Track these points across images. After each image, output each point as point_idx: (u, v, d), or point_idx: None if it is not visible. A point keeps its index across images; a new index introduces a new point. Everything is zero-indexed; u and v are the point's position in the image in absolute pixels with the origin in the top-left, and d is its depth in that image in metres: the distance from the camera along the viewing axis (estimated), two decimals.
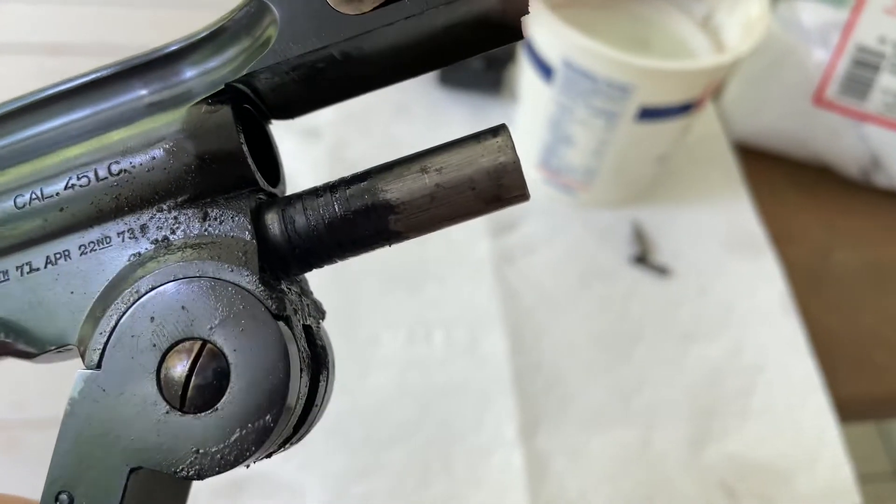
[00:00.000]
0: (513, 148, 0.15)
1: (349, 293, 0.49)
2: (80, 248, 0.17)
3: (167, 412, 0.15)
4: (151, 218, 0.16)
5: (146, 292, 0.16)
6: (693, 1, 0.54)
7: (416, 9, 0.15)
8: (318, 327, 0.18)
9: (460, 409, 0.45)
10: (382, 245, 0.17)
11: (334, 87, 0.17)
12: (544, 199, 0.55)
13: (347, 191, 0.16)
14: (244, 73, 0.16)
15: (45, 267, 0.17)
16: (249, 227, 0.16)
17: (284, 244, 0.16)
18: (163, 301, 0.15)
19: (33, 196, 0.17)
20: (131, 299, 0.16)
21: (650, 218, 0.55)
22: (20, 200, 0.17)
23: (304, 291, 0.18)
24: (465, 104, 0.60)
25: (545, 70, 0.48)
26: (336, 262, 0.17)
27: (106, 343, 0.16)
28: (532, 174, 0.55)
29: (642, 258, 0.52)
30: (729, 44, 0.51)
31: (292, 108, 0.18)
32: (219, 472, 0.15)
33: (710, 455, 0.45)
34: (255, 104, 0.17)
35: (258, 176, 0.17)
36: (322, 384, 0.17)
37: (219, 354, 0.15)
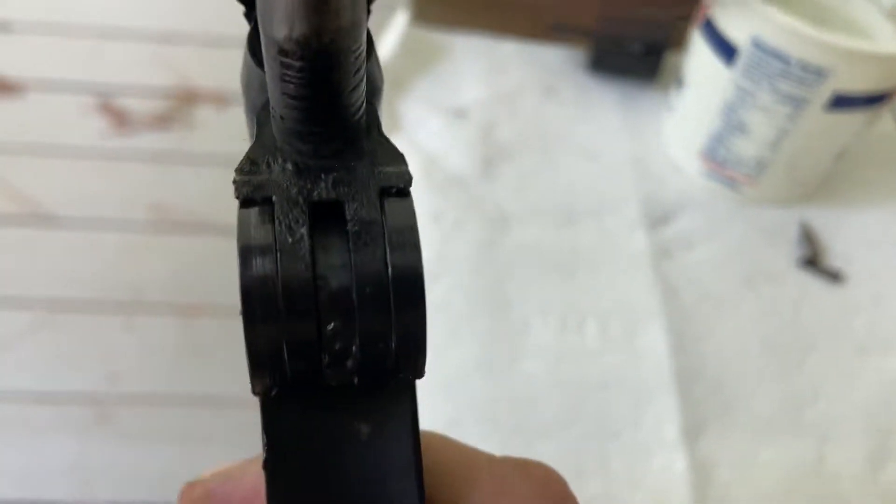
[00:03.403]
0: None
1: (500, 273, 0.46)
2: None
3: None
4: None
5: None
6: None
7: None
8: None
9: (617, 405, 0.42)
10: None
11: None
12: (704, 192, 0.51)
13: None
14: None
15: None
16: None
17: None
18: None
19: None
20: None
21: (820, 218, 0.51)
22: None
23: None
24: (616, 90, 0.58)
25: (727, 50, 0.45)
26: None
27: None
28: (694, 165, 0.51)
29: (812, 261, 0.48)
30: None
31: None
32: None
33: (890, 474, 0.41)
34: None
35: None
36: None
37: None
